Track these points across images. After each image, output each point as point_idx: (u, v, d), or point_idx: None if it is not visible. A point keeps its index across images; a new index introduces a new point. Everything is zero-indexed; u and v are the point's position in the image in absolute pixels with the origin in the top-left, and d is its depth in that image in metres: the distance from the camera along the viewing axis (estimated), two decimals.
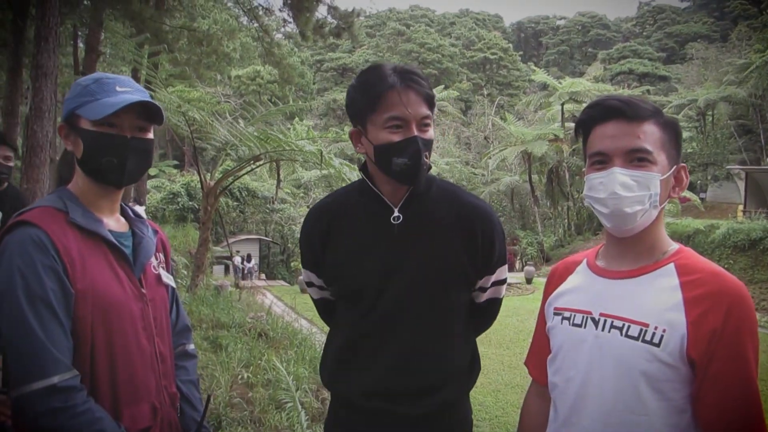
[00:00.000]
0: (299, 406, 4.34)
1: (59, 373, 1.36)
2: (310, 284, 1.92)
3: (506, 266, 1.84)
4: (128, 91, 1.57)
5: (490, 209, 1.80)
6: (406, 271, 1.68)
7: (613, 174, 1.42)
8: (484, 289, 1.81)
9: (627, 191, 1.41)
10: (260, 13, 17.21)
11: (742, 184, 30.06)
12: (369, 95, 1.62)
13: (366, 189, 1.74)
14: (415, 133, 1.60)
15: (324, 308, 1.96)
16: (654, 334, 1.35)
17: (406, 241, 1.68)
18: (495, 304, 1.90)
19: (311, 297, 1.98)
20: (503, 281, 1.85)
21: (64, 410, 1.35)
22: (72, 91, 1.58)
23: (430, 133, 1.65)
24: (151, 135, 1.63)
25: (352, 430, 1.79)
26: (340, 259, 1.75)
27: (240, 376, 4.95)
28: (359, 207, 1.76)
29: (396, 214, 1.69)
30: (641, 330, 1.37)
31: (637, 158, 1.41)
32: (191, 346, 1.89)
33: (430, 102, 1.64)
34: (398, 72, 1.62)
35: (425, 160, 1.62)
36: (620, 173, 1.41)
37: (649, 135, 1.42)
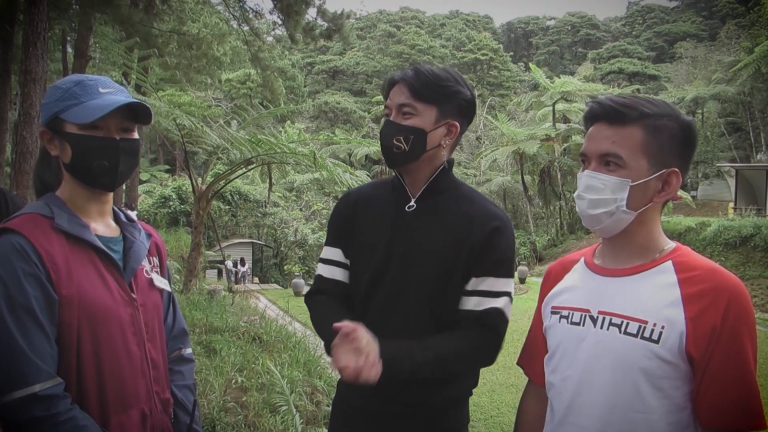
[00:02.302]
0: (294, 410, 4.34)
1: (40, 382, 1.35)
2: (326, 261, 1.91)
3: (506, 282, 1.72)
4: (111, 91, 1.56)
5: (505, 216, 1.80)
6: (406, 260, 1.73)
7: (582, 176, 1.46)
8: (471, 293, 1.71)
9: (591, 194, 1.44)
10: (250, 16, 17.16)
11: (732, 182, 30.32)
12: (384, 92, 1.82)
13: (396, 179, 1.85)
14: (391, 118, 1.75)
15: (322, 288, 1.90)
16: (653, 330, 1.35)
17: (415, 231, 1.75)
18: (480, 318, 1.70)
19: (318, 275, 1.93)
20: (496, 294, 1.70)
21: (46, 419, 1.34)
22: (51, 95, 1.55)
23: (414, 120, 1.72)
24: (137, 135, 1.62)
25: (349, 413, 1.84)
26: (357, 238, 1.84)
27: (234, 380, 4.93)
28: (386, 195, 1.87)
29: (411, 203, 1.78)
30: (640, 327, 1.37)
31: (608, 162, 1.42)
32: (188, 351, 1.87)
33: (414, 90, 1.71)
34: (408, 69, 1.78)
35: (395, 143, 1.72)
36: (588, 176, 1.45)
37: (627, 139, 1.41)
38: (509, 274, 1.75)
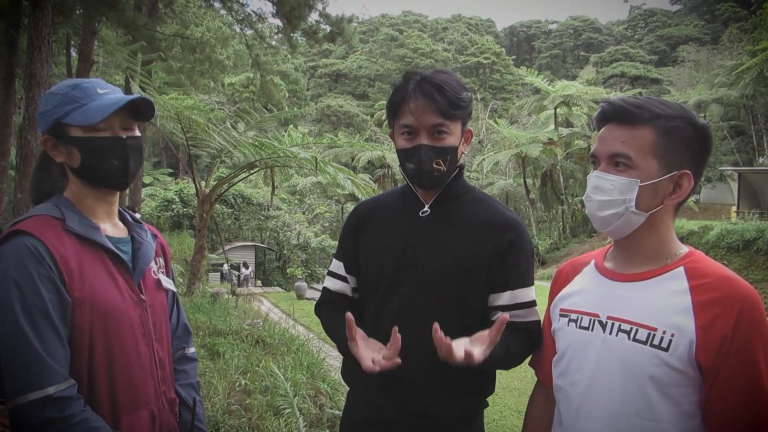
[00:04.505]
0: (297, 412, 4.34)
1: (55, 384, 1.35)
2: (332, 274, 1.96)
3: (529, 290, 1.75)
4: (109, 92, 1.57)
5: (522, 223, 1.81)
6: (423, 263, 1.73)
7: (591, 177, 1.46)
8: (501, 308, 1.73)
9: (599, 195, 1.43)
10: (253, 19, 17.20)
11: (735, 185, 30.24)
12: (391, 103, 1.77)
13: (407, 188, 1.86)
14: (423, 141, 1.69)
15: (328, 299, 1.95)
16: (662, 338, 1.33)
17: (429, 236, 1.76)
18: (526, 327, 1.74)
19: (324, 287, 1.98)
20: (523, 305, 1.74)
21: (60, 420, 1.35)
22: (49, 102, 1.53)
23: (448, 140, 1.70)
24: (138, 132, 1.63)
25: (360, 425, 1.84)
26: (370, 246, 1.85)
27: (237, 383, 4.94)
28: (397, 203, 1.89)
29: (425, 208, 1.79)
30: (649, 334, 1.35)
31: (618, 162, 1.41)
32: (191, 350, 1.89)
33: (446, 111, 1.68)
34: (419, 81, 1.70)
35: (436, 166, 1.70)
36: (596, 176, 1.44)
37: (638, 140, 1.40)
38: (532, 281, 1.80)
